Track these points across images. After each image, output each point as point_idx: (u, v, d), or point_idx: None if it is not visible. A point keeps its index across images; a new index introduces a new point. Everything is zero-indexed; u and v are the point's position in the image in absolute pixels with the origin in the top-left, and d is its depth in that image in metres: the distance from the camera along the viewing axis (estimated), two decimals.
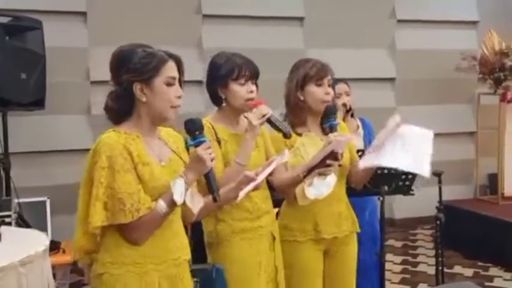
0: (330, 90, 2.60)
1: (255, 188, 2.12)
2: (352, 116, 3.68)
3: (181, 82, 1.99)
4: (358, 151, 3.21)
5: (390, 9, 6.21)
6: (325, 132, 2.58)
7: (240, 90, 2.35)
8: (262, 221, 2.42)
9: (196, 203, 1.94)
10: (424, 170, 2.37)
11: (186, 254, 2.04)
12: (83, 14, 5.14)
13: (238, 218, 2.37)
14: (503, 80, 5.61)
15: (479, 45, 6.02)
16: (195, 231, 2.96)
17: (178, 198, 1.84)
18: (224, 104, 2.39)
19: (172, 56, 1.97)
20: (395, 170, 3.06)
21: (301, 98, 2.59)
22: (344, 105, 3.61)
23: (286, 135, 2.38)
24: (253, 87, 2.38)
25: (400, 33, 6.25)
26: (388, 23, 6.21)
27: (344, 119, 3.61)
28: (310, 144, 2.52)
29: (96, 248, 1.92)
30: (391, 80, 6.29)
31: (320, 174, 2.38)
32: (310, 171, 2.37)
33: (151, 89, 1.90)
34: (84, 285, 4.45)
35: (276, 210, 2.67)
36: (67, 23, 5.08)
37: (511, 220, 5.11)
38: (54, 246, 3.70)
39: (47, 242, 2.35)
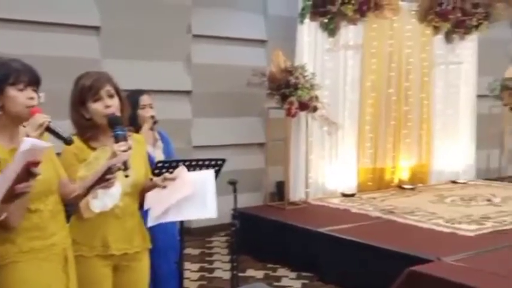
0: (111, 101, 2.46)
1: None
2: (151, 129, 3.73)
3: None
4: (158, 162, 3.27)
5: (187, 24, 6.39)
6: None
7: (19, 96, 2.14)
8: (54, 238, 2.26)
9: None
10: (209, 211, 2.52)
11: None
12: None
13: (27, 236, 2.16)
14: (288, 96, 6.08)
15: (268, 63, 6.48)
16: None
17: None
18: (1, 113, 2.15)
19: None
20: None
21: (86, 116, 2.47)
22: (152, 117, 3.66)
23: (67, 142, 2.22)
24: (34, 94, 2.18)
25: (196, 47, 6.47)
26: (184, 37, 6.38)
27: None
28: (104, 158, 2.41)
29: None
30: (188, 92, 6.48)
31: (103, 188, 2.30)
32: (90, 189, 2.29)
33: None
34: None
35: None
36: None
37: (295, 223, 5.58)
38: None
39: None
